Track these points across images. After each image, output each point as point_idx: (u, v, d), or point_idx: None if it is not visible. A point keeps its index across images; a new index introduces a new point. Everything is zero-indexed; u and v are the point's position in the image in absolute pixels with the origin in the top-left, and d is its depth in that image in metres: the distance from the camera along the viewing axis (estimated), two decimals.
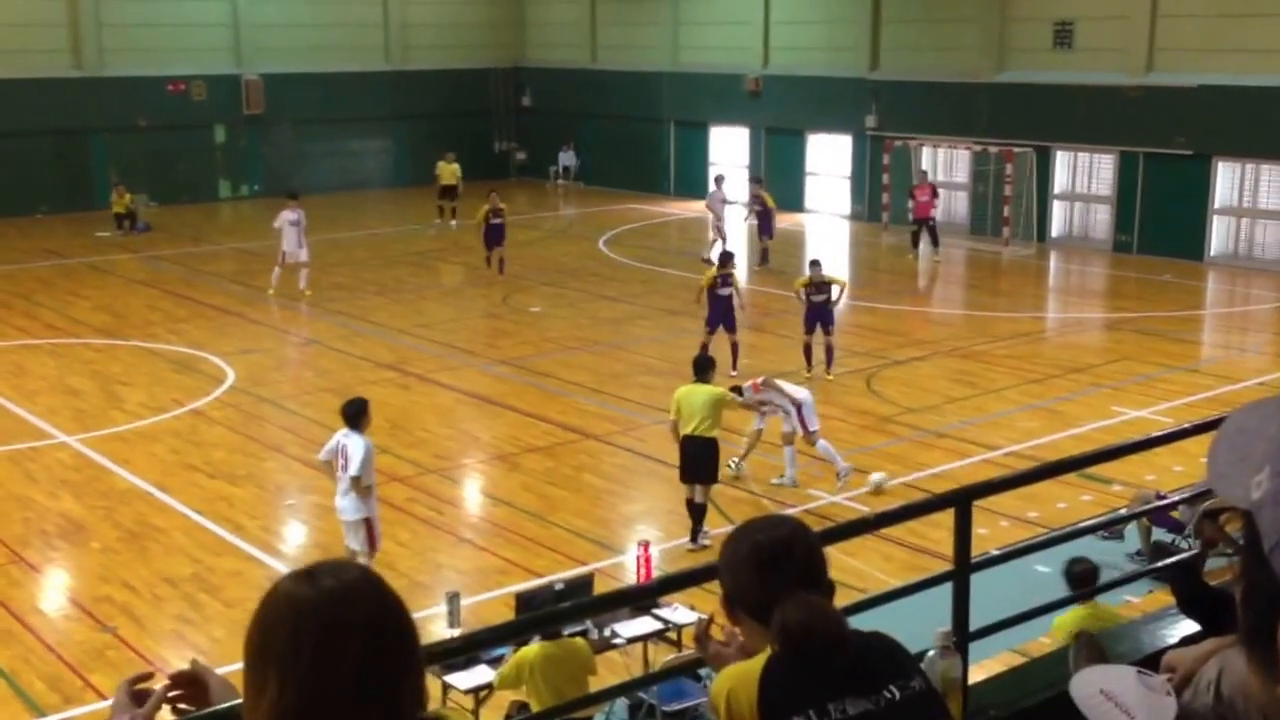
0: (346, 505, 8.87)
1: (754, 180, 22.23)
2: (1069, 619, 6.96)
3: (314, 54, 29.91)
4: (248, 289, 20.27)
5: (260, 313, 18.54)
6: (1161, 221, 22.24)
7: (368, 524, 8.89)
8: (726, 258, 15.33)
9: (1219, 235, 21.98)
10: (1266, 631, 0.87)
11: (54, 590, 9.58)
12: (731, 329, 14.66)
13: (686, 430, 9.90)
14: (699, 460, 9.91)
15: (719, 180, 22.94)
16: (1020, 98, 23.70)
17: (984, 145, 23.78)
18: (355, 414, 8.81)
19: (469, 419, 13.63)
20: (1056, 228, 24.03)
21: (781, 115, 27.65)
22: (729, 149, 29.36)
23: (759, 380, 11.44)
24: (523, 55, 33.58)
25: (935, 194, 22.68)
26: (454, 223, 25.60)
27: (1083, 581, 7.04)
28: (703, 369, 10.21)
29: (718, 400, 9.94)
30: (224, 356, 15.87)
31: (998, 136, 23.67)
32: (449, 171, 26.36)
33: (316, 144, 30.64)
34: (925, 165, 25.56)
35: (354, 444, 8.72)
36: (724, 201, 21.97)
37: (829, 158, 27.40)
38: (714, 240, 21.64)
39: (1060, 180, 23.90)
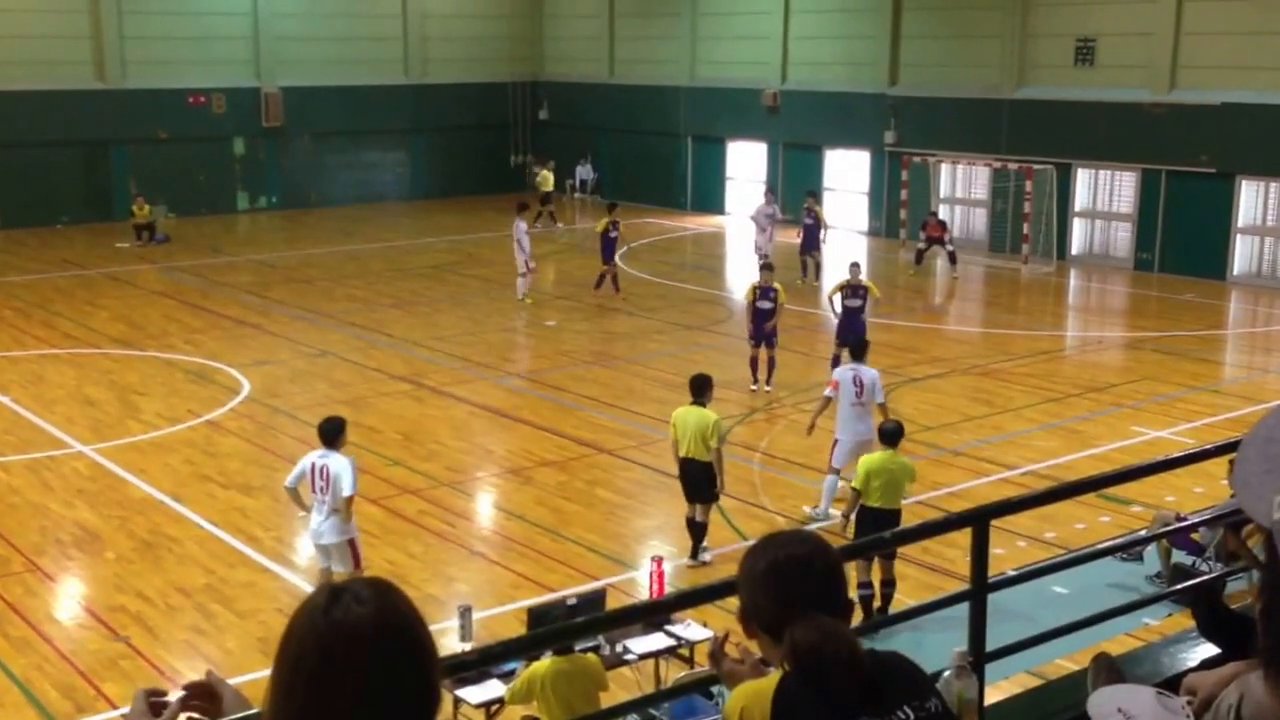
0: (328, 528, 8.52)
1: (809, 194, 22.20)
2: (872, 459, 8.99)
3: (333, 67, 30.13)
4: (264, 300, 20.35)
5: (276, 324, 18.61)
6: (1184, 240, 22.10)
7: (351, 545, 8.62)
8: (763, 270, 15.25)
9: (1242, 254, 21.82)
10: None
11: (68, 599, 9.57)
12: (770, 343, 14.57)
13: (682, 452, 9.85)
14: (695, 482, 9.87)
15: (771, 193, 22.87)
16: (1041, 114, 23.62)
17: (1004, 162, 23.72)
18: (335, 432, 8.52)
19: (483, 432, 13.61)
20: (1077, 245, 23.91)
21: (800, 130, 27.65)
22: (747, 164, 29.38)
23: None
24: (541, 69, 33.72)
25: (945, 228, 22.75)
26: (559, 226, 26.71)
27: (892, 436, 9.04)
28: (699, 390, 9.98)
29: (704, 427, 9.73)
30: (239, 368, 15.92)
31: (1018, 153, 23.61)
32: (547, 178, 27.66)
33: (335, 156, 30.84)
34: (944, 182, 25.62)
35: (336, 463, 8.43)
36: (769, 215, 21.79)
37: (847, 173, 27.37)
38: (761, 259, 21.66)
39: (1081, 198, 23.79)
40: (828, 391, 11.11)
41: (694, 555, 9.89)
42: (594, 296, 20.07)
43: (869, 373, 11.01)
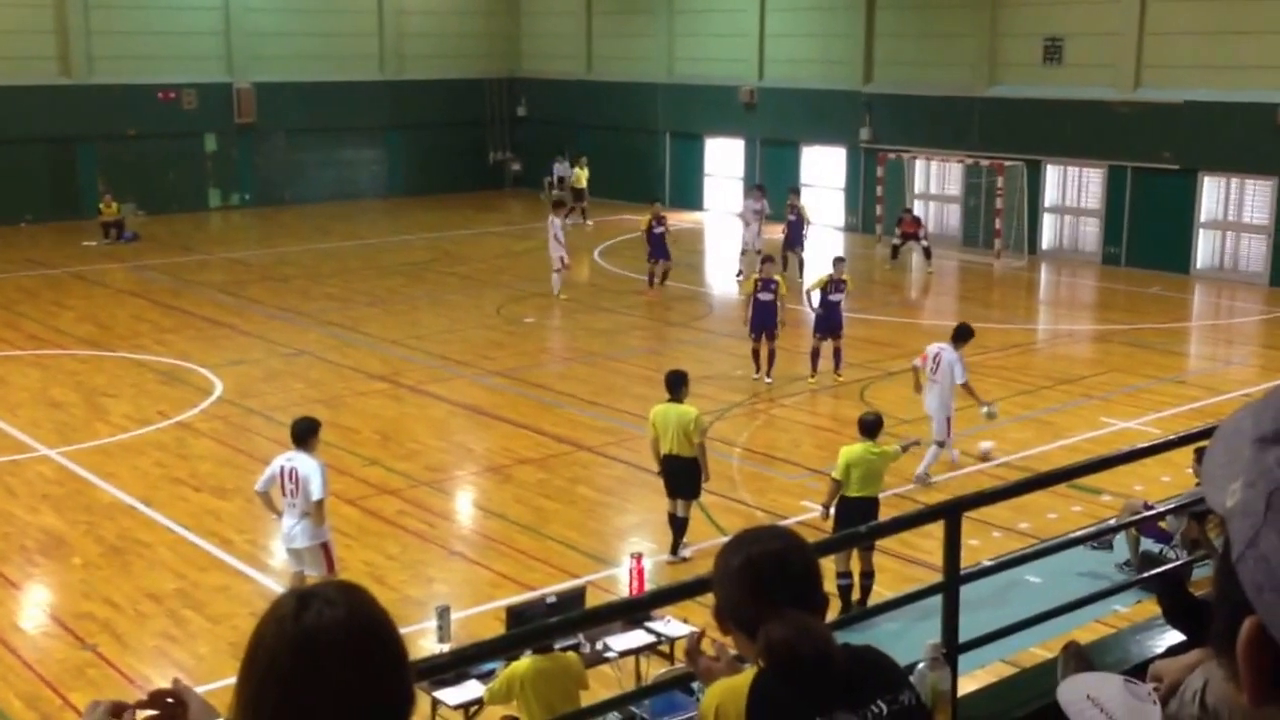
0: (300, 532, 8.42)
1: (791, 190, 22.29)
2: (852, 449, 9.15)
3: (307, 63, 29.91)
4: (238, 299, 20.19)
5: (250, 324, 18.47)
6: (1149, 235, 22.39)
7: (325, 548, 8.54)
8: (765, 261, 15.43)
9: (1205, 249, 22.14)
10: (1231, 640, 0.87)
11: (34, 607, 9.44)
12: (771, 335, 14.70)
13: (664, 449, 9.89)
14: (678, 478, 9.90)
15: (758, 190, 22.80)
16: (1011, 112, 23.83)
17: (976, 158, 23.93)
18: (306, 433, 8.43)
19: (461, 431, 13.58)
20: (1047, 240, 24.14)
21: (776, 127, 27.73)
22: (724, 160, 29.44)
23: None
24: (518, 66, 33.64)
25: (919, 224, 22.94)
26: (589, 223, 26.91)
27: (871, 427, 9.20)
28: (675, 387, 9.98)
29: (686, 423, 9.76)
30: (212, 368, 15.78)
31: (989, 150, 23.80)
32: (582, 175, 28.04)
33: (309, 154, 30.62)
34: (918, 178, 25.81)
35: (306, 465, 8.31)
36: (757, 212, 21.78)
37: (823, 169, 27.48)
38: (743, 252, 21.78)
39: (1050, 193, 24.01)
40: (915, 362, 12.07)
41: (674, 551, 9.94)
42: (649, 293, 20.24)
43: (949, 355, 11.66)
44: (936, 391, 11.67)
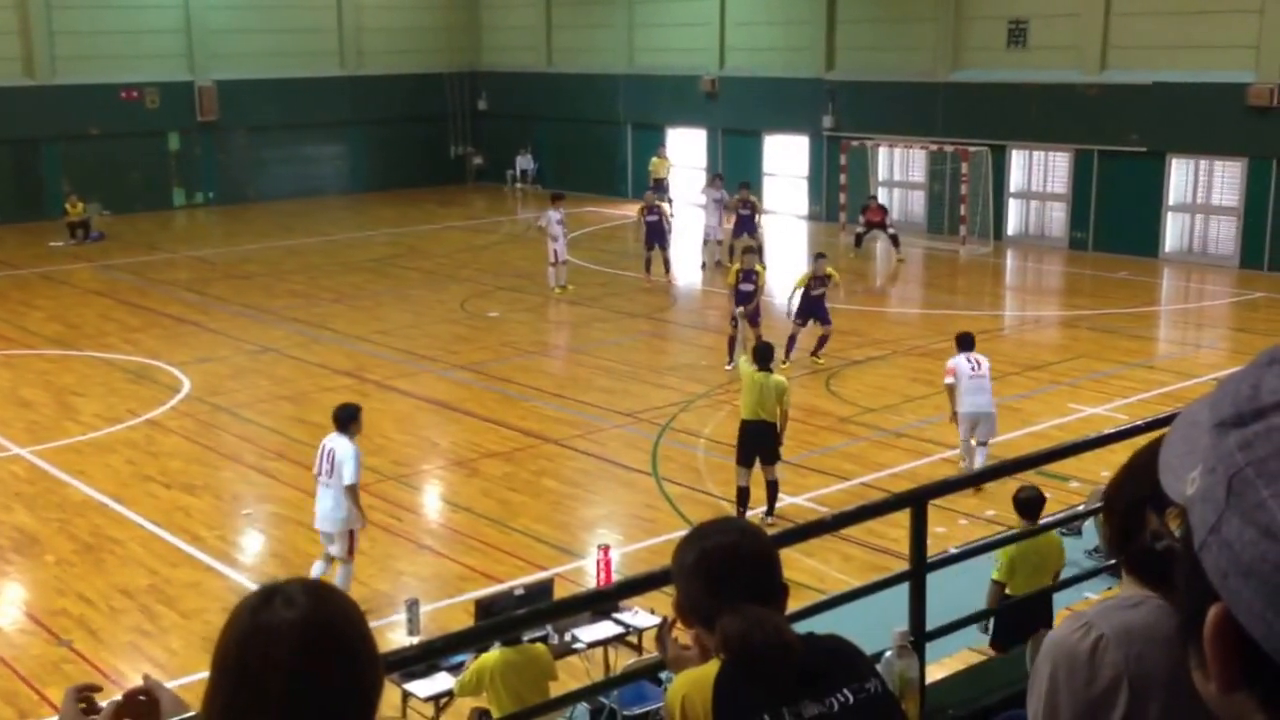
0: (328, 512, 8.78)
1: (743, 185, 22.31)
2: (1013, 546, 7.39)
3: (268, 60, 29.65)
4: (203, 297, 20.04)
5: (216, 321, 18.34)
6: (1116, 219, 22.49)
7: (350, 534, 8.90)
8: (745, 252, 15.49)
9: (1173, 232, 22.23)
10: (1197, 629, 0.87)
11: (8, 604, 9.42)
12: (754, 323, 14.76)
13: (746, 415, 10.24)
14: (761, 440, 10.19)
15: (718, 179, 22.63)
16: (975, 97, 23.91)
17: (940, 145, 23.98)
18: (346, 419, 8.77)
19: (428, 425, 13.54)
20: (1013, 226, 24.25)
21: (738, 116, 27.73)
22: (686, 151, 29.42)
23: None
24: (478, 60, 33.47)
25: (885, 212, 23.00)
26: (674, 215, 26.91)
27: (1029, 507, 7.74)
28: (764, 358, 10.48)
29: (780, 391, 10.21)
30: (180, 365, 15.68)
31: (954, 136, 23.87)
32: (663, 166, 27.58)
33: (272, 150, 30.39)
34: (882, 165, 25.87)
35: (342, 448, 8.66)
36: (717, 201, 21.69)
37: (786, 158, 27.51)
38: (705, 242, 21.77)
39: (1016, 179, 24.12)
40: (948, 380, 11.61)
41: (769, 513, 10.18)
42: (645, 281, 20.36)
43: (985, 359, 11.68)
44: (982, 386, 11.36)
